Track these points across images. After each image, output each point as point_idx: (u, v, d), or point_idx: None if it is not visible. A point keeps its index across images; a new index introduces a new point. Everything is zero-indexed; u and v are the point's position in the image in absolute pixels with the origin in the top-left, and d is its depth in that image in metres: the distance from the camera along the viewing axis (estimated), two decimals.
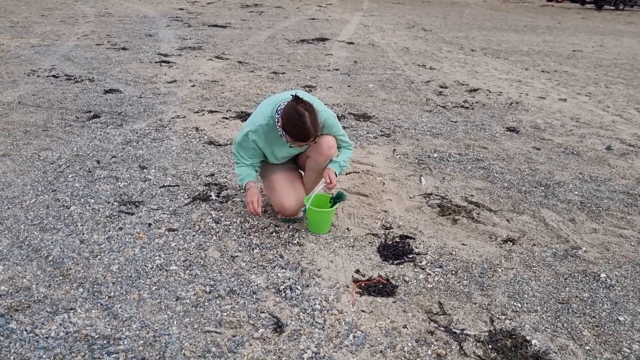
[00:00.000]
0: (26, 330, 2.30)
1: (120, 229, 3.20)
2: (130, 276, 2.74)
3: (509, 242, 3.27)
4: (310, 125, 2.85)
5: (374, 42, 11.82)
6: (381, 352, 2.29)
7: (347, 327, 2.43)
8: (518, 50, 12.05)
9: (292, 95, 2.92)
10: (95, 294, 2.59)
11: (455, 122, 5.93)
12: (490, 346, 2.35)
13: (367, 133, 5.33)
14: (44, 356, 2.16)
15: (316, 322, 2.45)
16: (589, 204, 3.90)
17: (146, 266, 2.84)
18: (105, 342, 2.26)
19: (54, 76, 7.09)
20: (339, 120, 3.24)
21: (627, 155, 5.09)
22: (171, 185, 3.82)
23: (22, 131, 4.83)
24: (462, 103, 6.83)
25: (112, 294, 2.59)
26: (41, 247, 2.96)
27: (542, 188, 4.16)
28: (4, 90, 6.26)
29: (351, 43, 11.46)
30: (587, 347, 2.39)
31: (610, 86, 8.47)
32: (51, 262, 2.82)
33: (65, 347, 2.22)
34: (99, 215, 3.36)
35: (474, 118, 6.12)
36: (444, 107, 6.59)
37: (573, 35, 15.75)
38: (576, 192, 4.10)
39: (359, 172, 4.26)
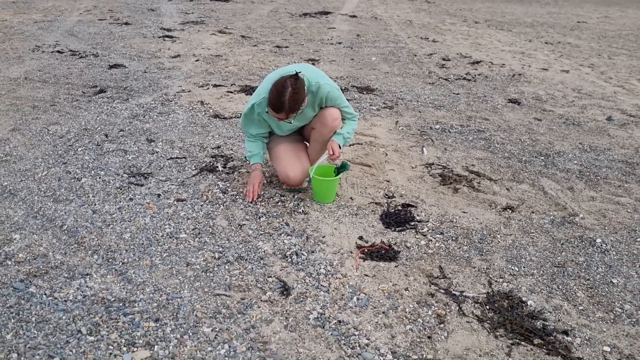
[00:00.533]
0: (45, 294, 2.42)
1: (131, 199, 3.30)
2: (142, 244, 2.85)
3: (508, 210, 3.36)
4: (287, 101, 2.91)
5: (376, 15, 11.78)
6: (384, 313, 2.40)
7: (351, 290, 2.54)
8: (522, 21, 12.00)
9: (295, 71, 2.99)
10: (110, 260, 2.70)
11: (457, 94, 5.98)
12: (487, 307, 2.46)
13: (370, 105, 5.40)
14: (64, 317, 2.28)
15: (321, 286, 2.56)
16: (588, 173, 3.98)
17: (157, 234, 2.94)
18: (121, 304, 2.38)
19: (58, 52, 7.14)
20: (343, 93, 3.34)
21: (627, 125, 5.15)
22: (178, 158, 3.91)
23: (30, 106, 4.91)
24: (465, 75, 6.86)
25: (125, 260, 2.70)
26: (55, 217, 3.06)
27: (542, 158, 4.24)
28: (10, 66, 6.32)
29: (354, 16, 11.43)
30: (581, 307, 2.50)
31: (613, 57, 8.47)
32: (66, 231, 2.93)
33: (84, 309, 2.33)
34: (110, 186, 3.46)
35: (476, 90, 6.17)
36: (446, 79, 6.63)
37: (578, 6, 15.63)
38: (575, 162, 4.18)
39: (362, 144, 4.34)
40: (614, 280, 2.70)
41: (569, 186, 3.75)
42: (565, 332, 2.32)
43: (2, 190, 3.33)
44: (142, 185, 3.48)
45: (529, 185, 3.74)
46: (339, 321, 2.33)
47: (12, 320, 2.25)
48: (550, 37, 10.06)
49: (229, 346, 2.17)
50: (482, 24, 11.43)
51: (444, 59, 7.78)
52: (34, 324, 2.24)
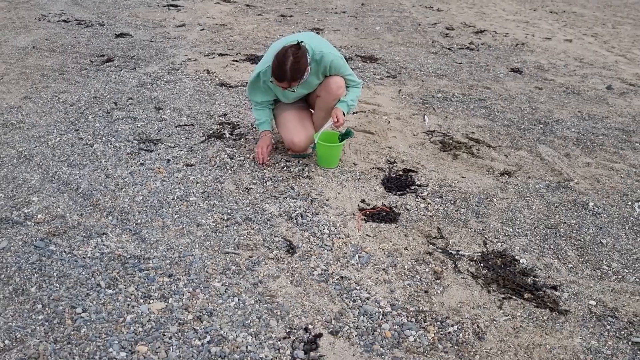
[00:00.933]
0: (65, 252, 2.57)
1: (141, 164, 3.43)
2: (154, 206, 2.99)
3: (505, 175, 3.49)
4: (288, 70, 3.02)
5: None
6: (384, 269, 2.55)
7: (353, 249, 2.68)
8: None
9: (298, 40, 3.08)
10: (124, 221, 2.84)
11: (460, 63, 6.04)
12: (482, 264, 2.61)
13: (374, 74, 5.48)
14: (83, 273, 2.43)
15: (325, 245, 2.71)
16: (585, 140, 4.09)
17: (168, 197, 3.08)
18: (136, 261, 2.53)
19: (64, 21, 7.20)
20: (347, 62, 3.45)
21: (626, 94, 5.23)
22: (186, 125, 4.03)
23: (40, 75, 5.01)
24: (468, 45, 6.91)
25: (138, 221, 2.85)
26: (70, 181, 3.20)
27: (541, 126, 4.34)
28: (17, 35, 6.40)
29: None
30: (570, 265, 2.64)
31: (617, 27, 8.47)
32: (81, 194, 3.07)
33: (101, 266, 2.49)
34: (121, 152, 3.58)
35: (478, 59, 6.23)
36: (449, 49, 6.68)
37: None
38: (573, 129, 4.28)
39: (365, 112, 4.45)
40: (604, 241, 2.84)
41: (566, 152, 3.86)
42: (554, 288, 2.46)
43: (18, 155, 3.46)
44: (152, 151, 3.61)
45: (527, 152, 3.85)
46: (342, 277, 2.48)
47: (35, 275, 2.40)
48: (555, 6, 10.04)
49: (239, 299, 2.32)
50: None
51: (447, 29, 7.81)
52: (55, 279, 2.39)
